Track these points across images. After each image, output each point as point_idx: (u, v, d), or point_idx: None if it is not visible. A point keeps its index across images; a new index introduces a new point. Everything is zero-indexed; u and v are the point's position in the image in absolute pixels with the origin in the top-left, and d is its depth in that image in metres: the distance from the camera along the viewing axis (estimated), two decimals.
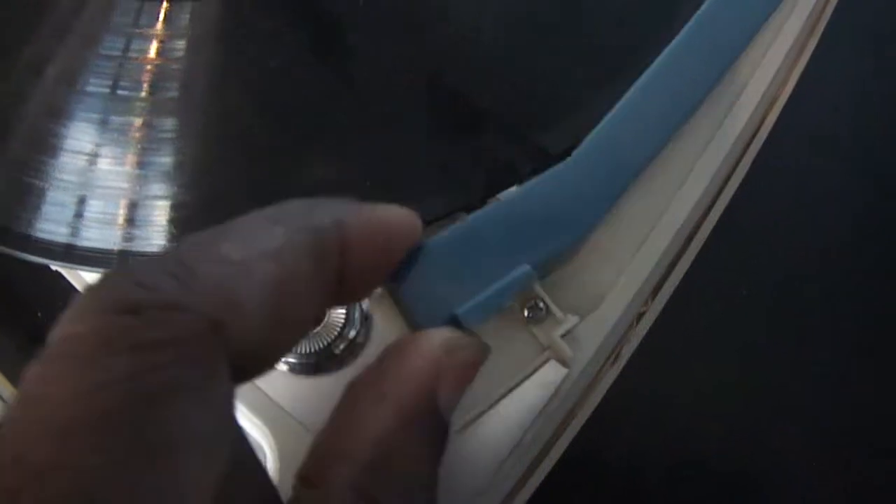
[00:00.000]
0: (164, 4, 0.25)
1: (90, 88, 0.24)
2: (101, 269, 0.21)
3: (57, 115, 0.24)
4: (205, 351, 0.11)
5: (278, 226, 0.13)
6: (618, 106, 0.20)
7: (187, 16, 0.25)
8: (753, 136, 0.25)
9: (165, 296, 0.11)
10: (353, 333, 0.22)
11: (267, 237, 0.13)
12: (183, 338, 0.11)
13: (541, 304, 0.21)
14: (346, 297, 0.15)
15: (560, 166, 0.18)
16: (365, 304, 0.21)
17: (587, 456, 0.23)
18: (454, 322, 0.16)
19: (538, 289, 0.22)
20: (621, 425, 0.32)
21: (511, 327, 0.22)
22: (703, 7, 0.22)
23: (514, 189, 0.18)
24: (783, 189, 0.36)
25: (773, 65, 0.25)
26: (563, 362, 0.21)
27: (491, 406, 0.21)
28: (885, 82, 0.41)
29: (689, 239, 0.24)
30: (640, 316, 0.23)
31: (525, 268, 0.17)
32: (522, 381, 0.21)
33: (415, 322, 0.16)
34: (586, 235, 0.18)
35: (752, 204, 0.26)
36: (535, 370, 0.21)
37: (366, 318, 0.21)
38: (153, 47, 0.25)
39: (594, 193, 0.18)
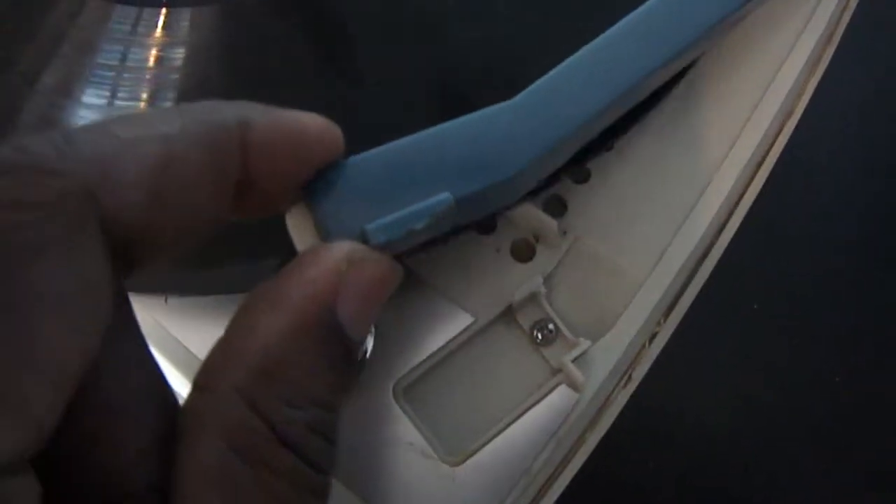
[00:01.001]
0: (164, 10, 0.24)
1: (87, 99, 0.23)
2: None
3: (52, 126, 0.23)
4: (73, 214, 0.11)
5: (176, 116, 0.13)
6: (568, 60, 0.19)
7: (186, 23, 0.24)
8: (770, 148, 0.24)
9: (39, 159, 0.11)
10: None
11: (161, 123, 0.13)
12: (50, 199, 0.11)
13: (550, 326, 0.21)
14: (255, 204, 0.14)
15: (499, 106, 0.18)
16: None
17: (598, 473, 0.23)
18: (363, 238, 0.15)
19: (548, 309, 0.21)
20: (632, 438, 0.31)
21: (520, 349, 0.21)
22: None
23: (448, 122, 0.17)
24: (791, 204, 0.36)
25: (790, 76, 0.24)
26: (575, 387, 0.20)
27: (500, 431, 0.20)
28: (885, 91, 0.40)
29: (704, 256, 0.23)
30: (653, 336, 0.22)
31: (445, 195, 0.16)
32: (533, 405, 0.20)
33: (326, 239, 0.15)
34: (514, 179, 0.17)
35: (762, 220, 0.25)
36: (546, 395, 0.20)
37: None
38: (152, 56, 0.24)
39: (527, 139, 0.17)
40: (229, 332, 0.13)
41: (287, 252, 0.17)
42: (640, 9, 0.20)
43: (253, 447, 0.12)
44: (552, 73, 0.19)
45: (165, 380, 0.14)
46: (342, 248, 0.14)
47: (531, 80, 0.23)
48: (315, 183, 0.15)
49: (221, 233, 0.19)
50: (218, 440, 0.12)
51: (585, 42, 0.21)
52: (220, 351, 0.13)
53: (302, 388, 0.13)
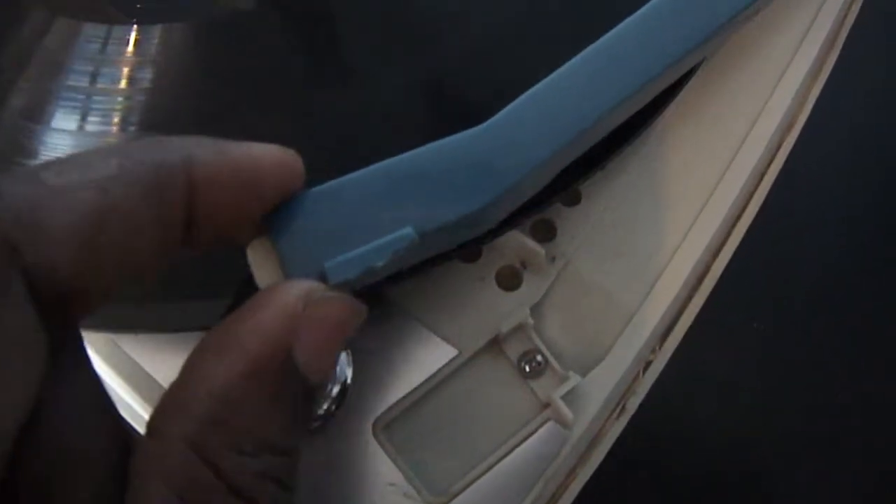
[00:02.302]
0: (134, 28, 0.23)
1: (56, 123, 0.22)
2: None
3: (19, 153, 0.22)
4: None
5: (115, 157, 0.12)
6: (543, 82, 0.18)
7: (156, 41, 0.23)
8: (769, 163, 0.23)
9: None
10: (335, 389, 0.20)
11: (98, 167, 0.12)
12: None
13: (539, 358, 0.20)
14: (208, 239, 0.14)
15: (468, 132, 0.17)
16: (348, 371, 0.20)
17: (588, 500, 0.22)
18: (322, 276, 0.15)
19: (537, 340, 0.20)
20: (626, 463, 0.30)
21: (507, 383, 0.20)
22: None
23: (417, 149, 0.16)
24: (788, 221, 0.34)
25: (791, 86, 0.23)
26: (565, 424, 0.19)
27: (486, 470, 0.19)
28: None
29: (701, 280, 0.22)
30: (648, 365, 0.21)
31: (407, 230, 0.15)
32: (520, 442, 0.19)
33: (288, 274, 0.15)
34: (483, 212, 0.16)
35: (760, 239, 0.24)
36: (534, 431, 0.19)
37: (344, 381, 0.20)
38: (124, 76, 0.23)
39: (497, 168, 0.16)
40: (181, 376, 0.13)
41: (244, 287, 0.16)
42: (626, 21, 0.19)
43: (201, 497, 0.12)
44: (525, 94, 0.18)
45: (120, 418, 0.13)
46: (298, 287, 0.13)
47: (527, 83, 0.22)
48: (276, 215, 0.15)
49: (189, 268, 0.18)
50: (165, 489, 0.12)
51: (581, 47, 0.20)
52: (171, 396, 0.13)
53: (253, 435, 0.12)
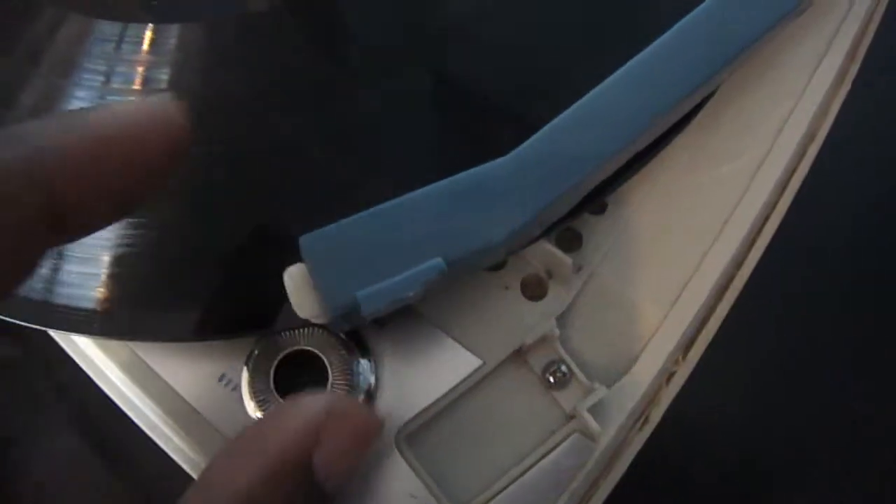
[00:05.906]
0: (150, 27, 0.23)
1: None
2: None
3: None
4: None
5: None
6: (570, 110, 0.18)
7: (175, 40, 0.22)
8: (793, 172, 0.23)
9: None
10: (359, 399, 0.20)
11: None
12: None
13: (564, 368, 0.20)
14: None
15: (494, 163, 0.17)
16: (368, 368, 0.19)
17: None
18: (354, 305, 0.15)
19: (562, 352, 0.20)
20: (641, 472, 0.30)
21: (531, 394, 0.20)
22: (687, 17, 0.19)
23: (443, 180, 0.17)
24: (802, 224, 0.34)
25: (814, 99, 0.23)
26: (591, 437, 0.19)
27: (510, 483, 0.19)
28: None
29: (725, 289, 0.22)
30: (671, 376, 0.21)
31: (436, 261, 0.16)
32: (545, 455, 0.19)
33: (321, 303, 0.16)
34: (509, 239, 0.17)
35: (776, 246, 0.24)
36: (559, 444, 0.19)
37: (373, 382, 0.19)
38: (138, 76, 0.22)
39: (524, 197, 0.17)
40: (208, 471, 0.14)
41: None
42: (648, 49, 0.19)
43: None
44: (549, 125, 0.18)
45: None
46: (322, 399, 0.14)
47: (538, 88, 0.22)
48: (312, 243, 0.16)
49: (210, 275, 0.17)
50: None
51: (592, 52, 0.20)
52: (199, 490, 0.13)
53: None
